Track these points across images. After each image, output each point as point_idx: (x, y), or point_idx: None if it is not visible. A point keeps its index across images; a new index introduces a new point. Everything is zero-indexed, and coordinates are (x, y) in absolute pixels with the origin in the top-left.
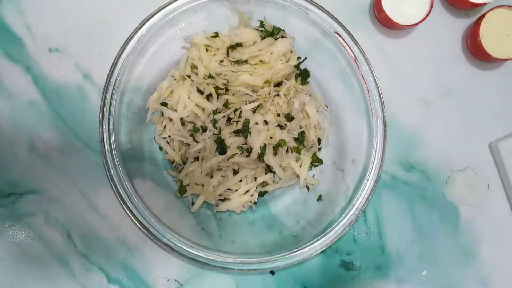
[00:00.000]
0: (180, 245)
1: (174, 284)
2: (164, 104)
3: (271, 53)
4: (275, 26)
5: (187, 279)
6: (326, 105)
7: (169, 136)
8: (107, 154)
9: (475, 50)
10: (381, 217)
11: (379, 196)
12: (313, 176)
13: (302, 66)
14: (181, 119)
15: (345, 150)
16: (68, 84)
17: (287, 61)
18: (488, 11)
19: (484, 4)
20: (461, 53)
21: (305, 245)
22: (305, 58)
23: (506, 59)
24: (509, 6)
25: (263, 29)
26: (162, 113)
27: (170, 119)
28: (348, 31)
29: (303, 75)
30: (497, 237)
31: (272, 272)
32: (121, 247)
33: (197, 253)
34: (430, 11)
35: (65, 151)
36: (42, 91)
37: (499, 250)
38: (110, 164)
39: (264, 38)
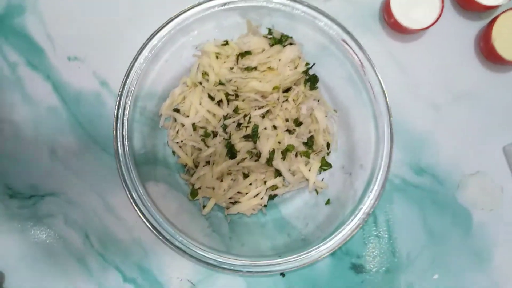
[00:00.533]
0: (191, 248)
1: (187, 284)
2: (177, 110)
3: (279, 60)
4: (283, 34)
5: (199, 279)
6: (335, 110)
7: (182, 141)
8: (120, 158)
9: (488, 53)
10: (392, 221)
11: (390, 199)
12: (322, 180)
13: (311, 72)
14: (193, 124)
15: (353, 154)
16: (86, 91)
17: (295, 68)
18: (500, 14)
19: (497, 6)
20: (474, 56)
21: (313, 248)
22: (314, 64)
23: None
24: None
25: (271, 36)
26: (175, 119)
27: (183, 125)
28: (355, 38)
29: (311, 81)
30: (510, 240)
31: (282, 274)
32: (137, 248)
33: (207, 255)
34: (440, 14)
35: (83, 155)
36: (62, 97)
37: None
38: (123, 168)
39: (272, 45)
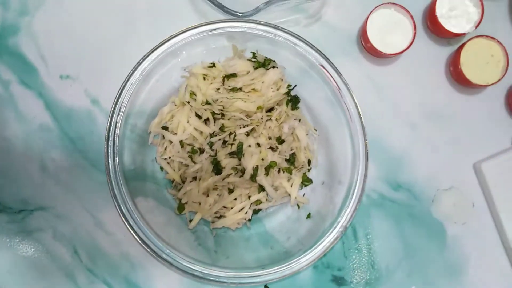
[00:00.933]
0: (177, 260)
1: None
2: (165, 128)
3: (262, 82)
4: (266, 57)
5: None
6: (315, 129)
7: (170, 157)
8: (111, 174)
9: (457, 76)
10: (371, 234)
11: (368, 214)
12: (303, 195)
13: (292, 93)
14: (181, 141)
15: (333, 170)
16: (78, 108)
17: (278, 89)
18: (468, 41)
19: (464, 34)
20: (444, 78)
21: (294, 260)
22: (295, 85)
23: (486, 85)
24: (487, 36)
25: (255, 60)
26: (163, 136)
27: (171, 142)
28: (332, 63)
29: (293, 101)
30: (483, 253)
31: (266, 287)
32: (125, 262)
33: (193, 267)
34: (413, 40)
35: (74, 171)
36: (53, 115)
37: (485, 266)
38: (113, 183)
39: (256, 68)
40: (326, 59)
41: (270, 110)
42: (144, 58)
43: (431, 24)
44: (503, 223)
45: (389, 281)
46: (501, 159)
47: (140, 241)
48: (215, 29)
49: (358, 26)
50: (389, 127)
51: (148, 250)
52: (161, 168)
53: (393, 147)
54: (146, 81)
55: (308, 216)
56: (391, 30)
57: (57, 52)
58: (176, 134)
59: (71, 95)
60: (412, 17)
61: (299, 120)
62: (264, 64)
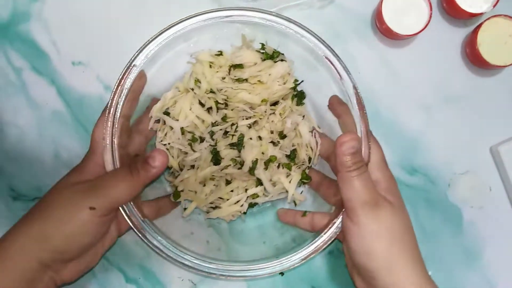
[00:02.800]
0: (169, 248)
1: (188, 284)
2: (167, 113)
3: (269, 75)
4: (275, 50)
5: (200, 279)
6: (318, 126)
7: (169, 143)
8: (107, 157)
9: (473, 57)
10: None
11: None
12: (301, 193)
13: (299, 88)
14: (181, 128)
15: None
16: (90, 94)
17: (284, 83)
18: (485, 21)
19: (481, 14)
20: (460, 60)
21: (286, 258)
22: (302, 81)
23: (504, 66)
24: (505, 15)
25: (264, 51)
26: (164, 122)
27: (171, 128)
28: (342, 60)
29: (299, 97)
30: (501, 238)
31: (281, 273)
32: (139, 249)
33: (183, 257)
34: (429, 21)
35: None
36: (66, 101)
37: (503, 251)
38: (109, 165)
39: (264, 60)
40: (336, 56)
41: (275, 103)
42: (150, 40)
43: (447, 4)
44: None
45: None
46: None
47: (131, 225)
48: (225, 16)
49: (373, 8)
50: (404, 110)
51: (140, 235)
52: None
53: (408, 131)
54: (151, 65)
55: (304, 214)
56: (407, 11)
57: (69, 38)
58: (177, 120)
59: (84, 81)
60: None
61: (303, 116)
62: (273, 56)
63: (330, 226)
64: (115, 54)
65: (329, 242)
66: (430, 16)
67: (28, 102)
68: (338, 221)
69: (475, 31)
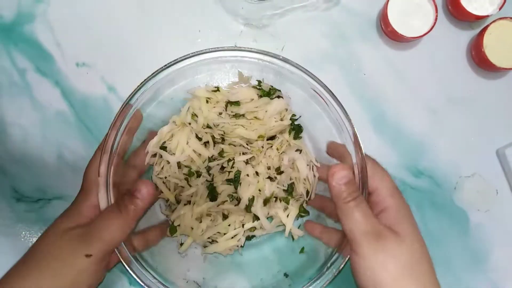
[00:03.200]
0: None
1: (193, 285)
2: (163, 147)
3: (266, 111)
4: (271, 86)
5: (205, 280)
6: (316, 160)
7: (165, 177)
8: (101, 192)
9: (479, 60)
10: None
11: None
12: (299, 227)
13: (296, 121)
14: (178, 163)
15: (331, 205)
16: (94, 96)
17: (281, 119)
18: (491, 23)
19: (487, 16)
20: (466, 63)
21: None
22: (299, 117)
23: (510, 68)
24: (511, 18)
25: (260, 88)
26: (161, 156)
27: (168, 162)
28: (336, 97)
29: (296, 130)
30: (507, 241)
31: (286, 275)
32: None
33: None
34: (434, 23)
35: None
36: (70, 102)
37: (509, 254)
38: (102, 201)
39: (261, 96)
40: (330, 92)
41: (272, 138)
42: (148, 80)
43: (453, 7)
44: None
45: None
46: None
47: (127, 268)
48: (223, 57)
49: (378, 10)
50: (409, 113)
51: (134, 275)
52: (156, 187)
53: (414, 133)
54: (148, 103)
55: (302, 250)
56: (412, 14)
57: (73, 40)
58: (174, 154)
59: (88, 83)
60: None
61: (300, 151)
62: (269, 93)
63: (326, 270)
64: (119, 56)
65: (326, 284)
66: (436, 19)
67: (32, 103)
68: (336, 266)
69: (481, 34)
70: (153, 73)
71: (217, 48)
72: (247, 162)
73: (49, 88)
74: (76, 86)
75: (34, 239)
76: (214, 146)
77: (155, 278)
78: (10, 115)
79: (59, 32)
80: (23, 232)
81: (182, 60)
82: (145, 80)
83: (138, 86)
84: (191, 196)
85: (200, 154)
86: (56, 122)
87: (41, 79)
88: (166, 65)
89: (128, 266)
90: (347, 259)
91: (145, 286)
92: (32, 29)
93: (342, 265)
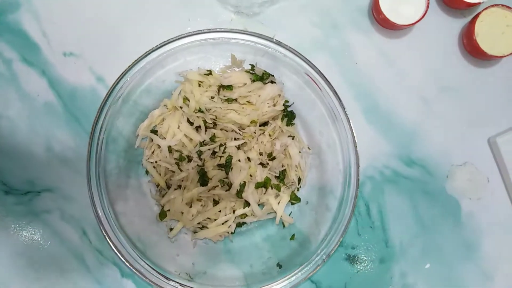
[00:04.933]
0: (152, 273)
1: (185, 277)
2: (154, 131)
3: (259, 96)
4: (265, 71)
5: (197, 272)
6: (308, 148)
7: (156, 162)
8: (91, 179)
9: (471, 48)
10: (384, 211)
11: (382, 191)
12: (290, 214)
13: (289, 108)
14: (169, 147)
15: (322, 193)
16: (82, 86)
17: (274, 105)
18: (482, 11)
19: (479, 3)
20: (458, 51)
21: (272, 283)
22: (293, 103)
23: (501, 56)
24: (502, 5)
25: (253, 72)
26: (152, 139)
27: (159, 146)
28: (330, 83)
29: (289, 117)
30: (498, 229)
31: (279, 265)
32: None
33: (167, 282)
34: (426, 11)
35: (79, 150)
36: (58, 93)
37: (500, 242)
38: (93, 186)
39: (254, 81)
40: (324, 78)
41: (265, 124)
42: (139, 59)
43: None
44: None
45: (403, 258)
46: None
47: (114, 249)
48: (217, 38)
49: None
50: (401, 102)
51: (122, 259)
52: (147, 172)
53: (406, 122)
54: (139, 84)
55: (292, 237)
56: (404, 2)
57: (60, 29)
58: (165, 138)
59: (76, 73)
60: None
61: (293, 137)
62: (262, 77)
63: (316, 255)
64: (107, 46)
65: (316, 270)
66: (428, 6)
67: (19, 94)
68: (326, 253)
69: (473, 21)
70: (144, 53)
71: (210, 29)
72: (238, 148)
73: (36, 79)
74: (64, 76)
75: (24, 233)
76: (205, 131)
77: (144, 262)
78: None
79: (45, 21)
80: (12, 225)
81: (175, 40)
82: (136, 60)
83: (129, 66)
84: (182, 181)
85: (191, 139)
86: (44, 113)
87: (28, 69)
88: (157, 45)
89: (118, 252)
90: (336, 245)
91: (134, 271)
92: (17, 18)
93: (332, 251)
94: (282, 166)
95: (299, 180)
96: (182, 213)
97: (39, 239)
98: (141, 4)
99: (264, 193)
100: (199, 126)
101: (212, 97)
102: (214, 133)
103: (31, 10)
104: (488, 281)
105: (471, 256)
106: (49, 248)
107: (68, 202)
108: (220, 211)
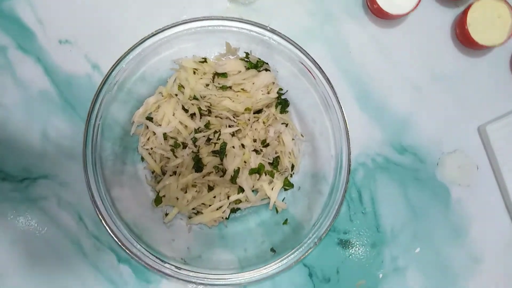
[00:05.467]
0: (148, 256)
1: (180, 262)
2: (149, 118)
3: (253, 84)
4: (259, 59)
5: (192, 257)
6: (302, 135)
7: (151, 148)
8: (88, 165)
9: (463, 38)
10: (376, 197)
11: (374, 177)
12: (283, 200)
13: (283, 96)
14: (164, 134)
15: (314, 179)
16: (78, 74)
17: (268, 92)
18: (474, 1)
19: None
20: (450, 41)
21: (265, 266)
22: (286, 91)
23: (492, 46)
24: None
25: (248, 60)
26: (147, 126)
27: (154, 133)
28: (323, 71)
29: (282, 105)
30: (487, 216)
31: (273, 250)
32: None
33: (163, 265)
34: (420, 1)
35: (75, 137)
36: (53, 80)
37: (488, 228)
38: (89, 172)
39: (248, 68)
40: (318, 67)
41: (259, 111)
42: (136, 46)
43: None
44: (507, 184)
45: (394, 243)
46: (506, 121)
47: (111, 233)
48: (211, 25)
49: None
50: (394, 90)
51: (119, 243)
52: (142, 159)
53: (398, 110)
54: (134, 71)
55: (285, 222)
56: None
57: (55, 16)
58: (160, 125)
59: (71, 60)
60: None
61: (287, 125)
62: (257, 65)
63: (308, 238)
64: (102, 33)
65: (308, 253)
66: None
67: (14, 81)
68: (318, 236)
69: (465, 12)
70: (140, 40)
71: (205, 17)
72: (233, 135)
73: (31, 66)
74: (59, 64)
75: (21, 219)
76: (200, 118)
77: (141, 246)
78: None
79: (40, 8)
80: (10, 213)
81: (169, 28)
82: (131, 47)
83: (125, 53)
84: (177, 167)
85: (186, 126)
86: (39, 100)
87: (23, 56)
88: (151, 33)
89: (115, 236)
90: (327, 229)
91: (131, 254)
92: (12, 5)
93: (324, 235)
94: (275, 153)
95: (292, 166)
96: (177, 198)
97: (36, 226)
98: None
99: (258, 179)
100: (194, 114)
101: (207, 85)
102: (208, 121)
103: None
104: (476, 264)
105: (460, 241)
106: (46, 234)
107: (65, 189)
108: (214, 197)
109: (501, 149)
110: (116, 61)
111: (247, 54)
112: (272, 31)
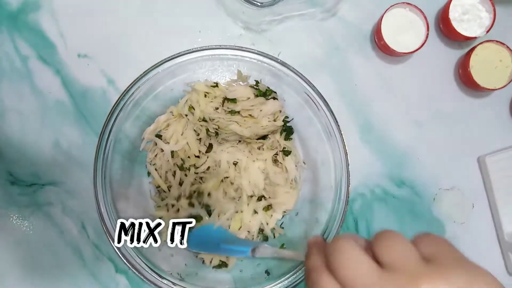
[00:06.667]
0: (147, 270)
1: (176, 277)
2: (159, 135)
3: (260, 111)
4: (268, 88)
5: (189, 272)
6: (304, 162)
7: (158, 164)
8: (97, 178)
9: (465, 79)
10: (372, 227)
11: (371, 208)
12: (281, 224)
13: (289, 123)
14: (172, 151)
15: (313, 207)
16: (93, 87)
17: (274, 120)
18: (478, 44)
19: (475, 38)
20: (453, 80)
21: None
22: (292, 119)
23: (493, 89)
24: (497, 41)
25: (257, 88)
26: (156, 143)
27: (162, 150)
28: (327, 103)
29: (287, 132)
30: (480, 254)
31: (267, 272)
32: None
33: (161, 280)
34: (425, 40)
35: (86, 149)
36: (69, 92)
37: (480, 263)
38: (98, 187)
39: (257, 96)
40: (322, 98)
41: (264, 137)
42: (152, 68)
43: (444, 26)
44: (501, 219)
45: None
46: (506, 154)
47: (114, 246)
48: (224, 54)
49: (373, 24)
50: (396, 124)
51: (119, 254)
52: (148, 174)
53: (399, 144)
54: (150, 91)
55: (282, 246)
56: (405, 30)
57: (76, 31)
58: (168, 143)
59: (88, 74)
60: (425, 18)
61: (290, 152)
62: (265, 93)
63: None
64: (120, 51)
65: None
66: (427, 36)
67: (32, 90)
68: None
69: (468, 54)
70: (156, 63)
71: (220, 46)
72: (235, 164)
73: (50, 77)
74: (77, 77)
75: (26, 222)
76: (208, 139)
77: (140, 259)
78: (9, 100)
79: (63, 22)
80: (15, 215)
81: (185, 54)
82: (150, 68)
83: (141, 75)
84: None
85: (190, 148)
86: (54, 110)
87: (43, 67)
88: (169, 57)
89: (116, 247)
90: None
91: (129, 266)
92: (37, 17)
93: None
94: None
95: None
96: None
97: (40, 230)
98: (155, 13)
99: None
100: (200, 139)
101: (217, 108)
102: (211, 143)
103: (51, 11)
104: None
105: None
106: (48, 239)
107: (71, 197)
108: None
109: (499, 181)
110: (134, 80)
111: (257, 82)
112: (282, 63)
